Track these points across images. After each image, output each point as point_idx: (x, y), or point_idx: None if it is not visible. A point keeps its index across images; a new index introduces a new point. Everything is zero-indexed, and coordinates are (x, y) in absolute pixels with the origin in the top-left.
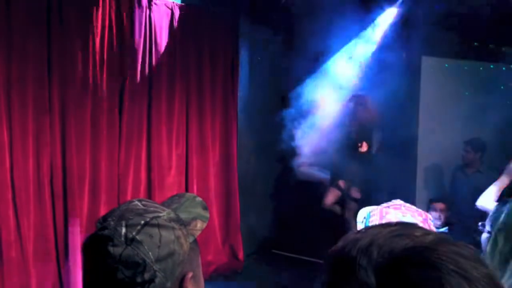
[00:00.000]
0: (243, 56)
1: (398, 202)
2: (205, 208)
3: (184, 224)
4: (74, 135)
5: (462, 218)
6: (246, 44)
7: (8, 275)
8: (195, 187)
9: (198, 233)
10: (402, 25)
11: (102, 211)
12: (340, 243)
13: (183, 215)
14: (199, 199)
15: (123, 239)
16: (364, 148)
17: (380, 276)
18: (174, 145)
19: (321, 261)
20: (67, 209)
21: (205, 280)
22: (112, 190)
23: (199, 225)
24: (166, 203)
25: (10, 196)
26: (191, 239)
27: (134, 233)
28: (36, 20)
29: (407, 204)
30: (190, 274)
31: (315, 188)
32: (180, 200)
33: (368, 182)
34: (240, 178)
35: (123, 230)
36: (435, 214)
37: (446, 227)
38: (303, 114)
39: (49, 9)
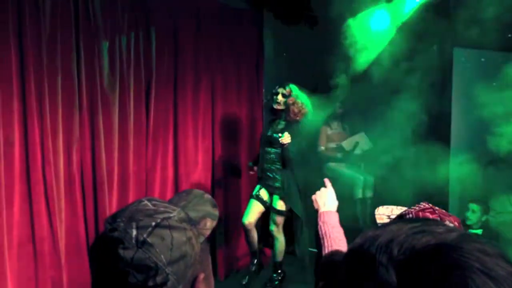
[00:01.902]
0: (268, 51)
1: (426, 205)
2: (215, 205)
3: (194, 223)
4: (103, 131)
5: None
6: (270, 39)
7: (41, 270)
8: (222, 182)
9: (208, 232)
10: (434, 14)
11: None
12: (358, 240)
13: (192, 214)
14: (207, 196)
15: (134, 241)
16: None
17: (401, 274)
18: (200, 141)
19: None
20: (97, 204)
21: (228, 276)
22: (140, 185)
23: (209, 223)
24: (173, 200)
25: (42, 192)
26: (201, 239)
27: (145, 236)
28: (64, 19)
29: (437, 208)
30: (202, 276)
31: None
32: (187, 197)
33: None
34: None
35: (134, 232)
36: (473, 215)
37: (481, 230)
38: (331, 110)
39: (76, 7)
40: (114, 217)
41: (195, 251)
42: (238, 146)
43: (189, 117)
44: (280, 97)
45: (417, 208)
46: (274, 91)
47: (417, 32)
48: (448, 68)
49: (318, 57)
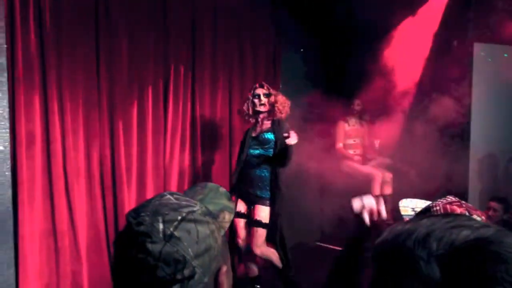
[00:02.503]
0: (285, 48)
1: (453, 198)
2: (230, 199)
3: (214, 217)
4: (122, 128)
5: None
6: (287, 36)
7: (62, 264)
8: None
9: (227, 225)
10: (456, 8)
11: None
12: (387, 235)
13: (210, 207)
14: (222, 189)
15: (161, 235)
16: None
17: (444, 268)
18: (218, 138)
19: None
20: (116, 199)
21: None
22: (158, 181)
23: (227, 217)
24: (189, 194)
25: (63, 187)
26: (222, 232)
27: (171, 229)
28: (84, 19)
29: (463, 201)
30: (225, 268)
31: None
32: (203, 191)
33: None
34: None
35: (161, 226)
36: (493, 213)
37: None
38: (350, 107)
39: (96, 7)
40: (137, 211)
41: (218, 243)
42: None
43: (207, 113)
44: (263, 98)
45: (444, 201)
46: (252, 95)
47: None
48: (468, 63)
49: (335, 53)
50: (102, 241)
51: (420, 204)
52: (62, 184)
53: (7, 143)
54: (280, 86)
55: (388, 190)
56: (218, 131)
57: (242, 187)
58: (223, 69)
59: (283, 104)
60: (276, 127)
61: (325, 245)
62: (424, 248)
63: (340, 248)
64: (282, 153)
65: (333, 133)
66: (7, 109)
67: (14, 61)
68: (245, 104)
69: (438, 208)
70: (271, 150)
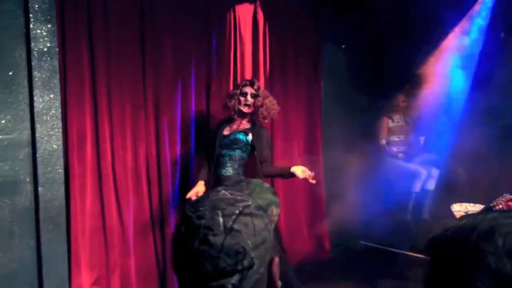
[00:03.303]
0: (327, 46)
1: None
2: (275, 193)
3: (264, 211)
4: (167, 127)
5: None
6: (329, 33)
7: (111, 257)
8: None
9: (276, 219)
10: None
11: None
12: (442, 230)
13: (259, 202)
14: (266, 185)
15: (222, 228)
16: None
17: None
18: None
19: (409, 254)
20: (161, 196)
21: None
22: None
23: (275, 211)
24: (235, 188)
25: (112, 184)
26: (272, 225)
27: (230, 223)
28: (130, 22)
29: None
30: (277, 259)
31: (406, 179)
32: (249, 186)
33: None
34: (325, 168)
35: (221, 219)
36: None
37: None
38: (393, 105)
39: (142, 11)
40: (195, 205)
41: (271, 236)
42: (296, 140)
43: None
44: (249, 98)
45: (504, 199)
46: (240, 91)
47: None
48: None
49: (379, 49)
50: (149, 237)
51: (470, 208)
52: (111, 182)
53: (59, 142)
54: (322, 83)
55: (431, 186)
56: None
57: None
58: (264, 68)
59: (270, 109)
60: (256, 133)
61: (370, 244)
62: (490, 242)
63: (383, 247)
64: (278, 176)
65: (376, 129)
66: (59, 110)
67: (65, 63)
68: (232, 100)
69: (500, 206)
70: (238, 150)
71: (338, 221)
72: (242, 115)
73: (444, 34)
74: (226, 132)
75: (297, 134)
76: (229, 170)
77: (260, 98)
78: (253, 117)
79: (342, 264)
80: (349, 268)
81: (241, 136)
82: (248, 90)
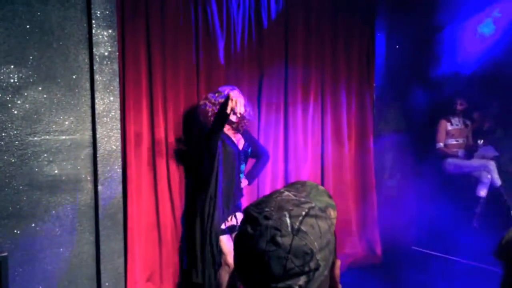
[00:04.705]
0: (379, 43)
1: None
2: (330, 196)
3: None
4: None
5: None
6: (382, 29)
7: (165, 254)
8: (331, 179)
9: (334, 221)
10: None
11: (244, 200)
12: None
13: (317, 204)
14: (322, 187)
15: (289, 229)
16: None
17: None
18: (310, 137)
19: (464, 261)
20: None
21: (343, 272)
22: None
23: (332, 213)
24: (291, 190)
25: (166, 184)
26: (332, 228)
27: (298, 224)
28: (185, 26)
29: None
30: (339, 262)
31: (460, 182)
32: (305, 188)
33: None
34: (376, 172)
35: (288, 220)
36: None
37: None
38: (449, 106)
39: (196, 15)
40: (259, 206)
41: (333, 238)
42: (348, 141)
43: (299, 112)
44: (242, 108)
45: None
46: (229, 98)
47: None
48: None
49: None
50: None
51: None
52: (165, 181)
53: (118, 143)
54: (374, 83)
55: (498, 182)
56: (310, 131)
57: (231, 206)
58: (316, 66)
59: (244, 115)
60: (250, 138)
61: (423, 250)
62: None
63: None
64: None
65: (435, 132)
66: (118, 112)
67: (124, 67)
68: (213, 107)
69: None
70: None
71: (390, 225)
72: (230, 123)
73: None
74: (240, 146)
75: (348, 136)
76: (239, 186)
77: (248, 109)
78: (238, 125)
79: (394, 270)
80: (401, 273)
81: (249, 150)
82: (242, 101)
